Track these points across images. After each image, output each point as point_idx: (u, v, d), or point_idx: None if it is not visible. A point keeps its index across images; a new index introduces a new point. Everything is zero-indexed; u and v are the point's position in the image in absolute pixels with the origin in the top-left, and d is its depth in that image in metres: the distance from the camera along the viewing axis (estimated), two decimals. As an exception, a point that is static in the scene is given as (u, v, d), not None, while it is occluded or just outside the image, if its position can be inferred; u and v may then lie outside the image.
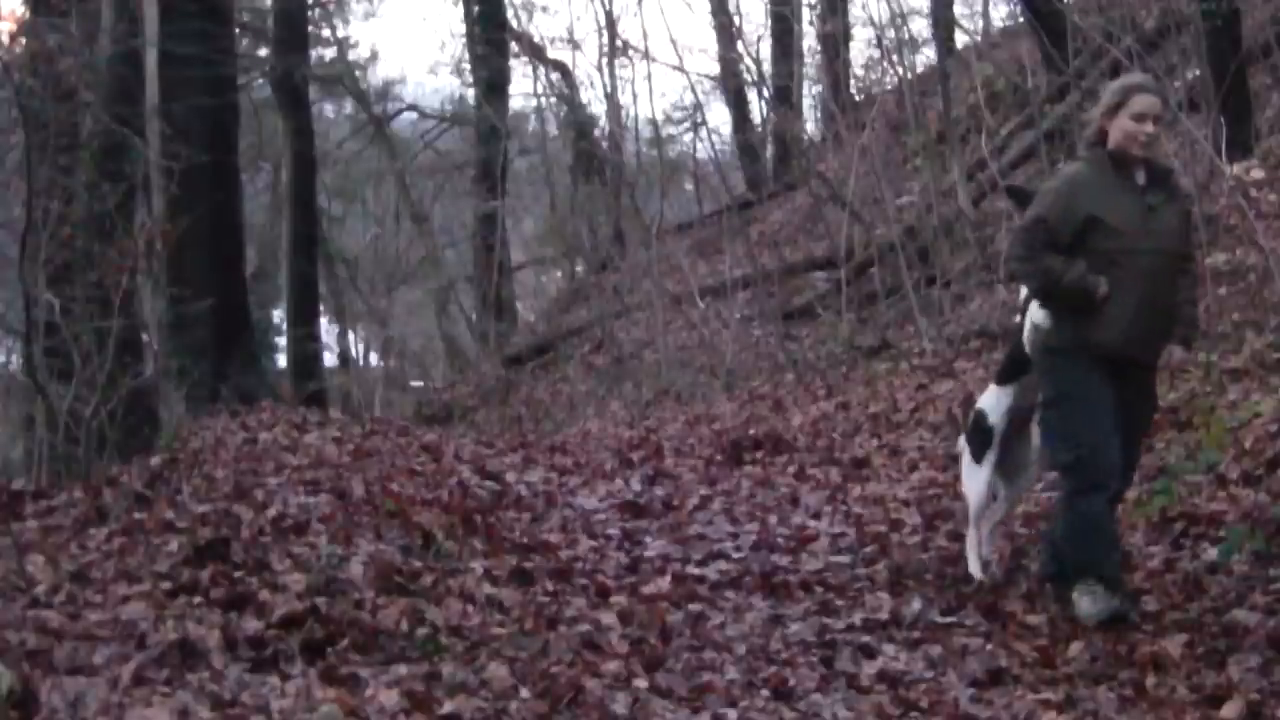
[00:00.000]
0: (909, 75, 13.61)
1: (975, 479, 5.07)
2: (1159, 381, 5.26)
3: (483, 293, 20.90)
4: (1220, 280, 8.25)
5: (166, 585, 4.12)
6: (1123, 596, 4.47)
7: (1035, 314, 4.65)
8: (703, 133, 22.61)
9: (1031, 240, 4.55)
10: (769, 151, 22.39)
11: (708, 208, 20.97)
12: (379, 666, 3.67)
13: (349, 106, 28.79)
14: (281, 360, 22.19)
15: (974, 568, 5.02)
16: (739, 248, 15.66)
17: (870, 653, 4.29)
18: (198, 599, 4.00)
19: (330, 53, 27.65)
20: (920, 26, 18.42)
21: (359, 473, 6.58)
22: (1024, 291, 4.85)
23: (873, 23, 17.88)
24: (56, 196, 9.01)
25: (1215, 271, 8.23)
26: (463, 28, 25.57)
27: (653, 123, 22.85)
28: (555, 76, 24.68)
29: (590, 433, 11.38)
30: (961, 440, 5.32)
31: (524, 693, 3.59)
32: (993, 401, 5.08)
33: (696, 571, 5.30)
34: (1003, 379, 5.08)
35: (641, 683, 3.85)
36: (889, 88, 15.78)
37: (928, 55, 16.76)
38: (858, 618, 4.65)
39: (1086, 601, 4.42)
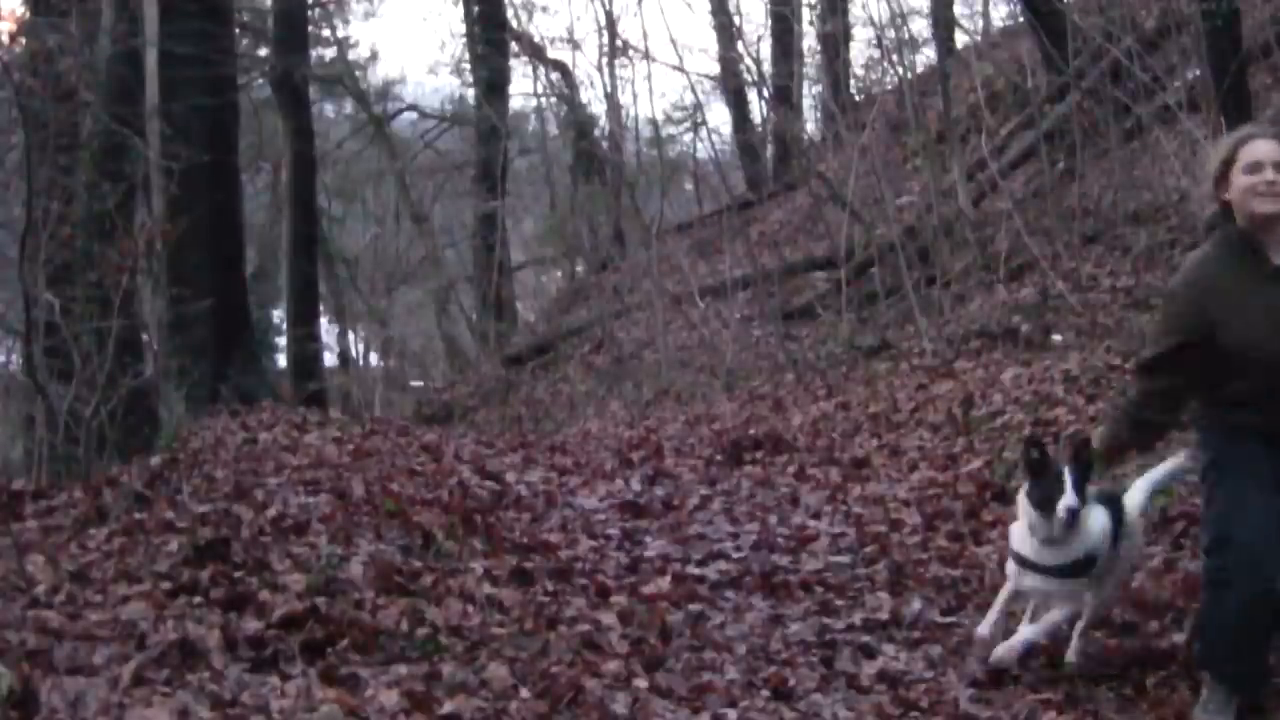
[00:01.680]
0: (909, 75, 13.60)
1: None
2: None
3: (483, 293, 20.91)
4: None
5: (166, 585, 4.12)
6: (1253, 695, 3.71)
7: None
8: (703, 133, 22.78)
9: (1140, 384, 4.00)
10: (769, 151, 22.41)
11: (708, 208, 21.01)
12: (379, 666, 3.67)
13: (349, 106, 28.77)
14: (281, 360, 22.18)
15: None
16: (739, 248, 15.67)
17: (870, 653, 4.29)
18: (198, 599, 4.00)
19: (330, 53, 27.65)
20: (920, 26, 18.51)
21: (359, 473, 6.58)
22: None
23: (873, 23, 17.96)
24: (56, 196, 9.05)
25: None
26: (463, 28, 25.64)
27: (653, 123, 22.93)
28: (555, 76, 24.75)
29: (590, 433, 11.39)
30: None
31: (524, 693, 3.59)
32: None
33: (696, 571, 5.30)
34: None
35: (641, 683, 3.84)
36: (889, 88, 15.80)
37: (928, 55, 16.81)
38: (858, 618, 4.65)
39: (1198, 706, 3.70)
